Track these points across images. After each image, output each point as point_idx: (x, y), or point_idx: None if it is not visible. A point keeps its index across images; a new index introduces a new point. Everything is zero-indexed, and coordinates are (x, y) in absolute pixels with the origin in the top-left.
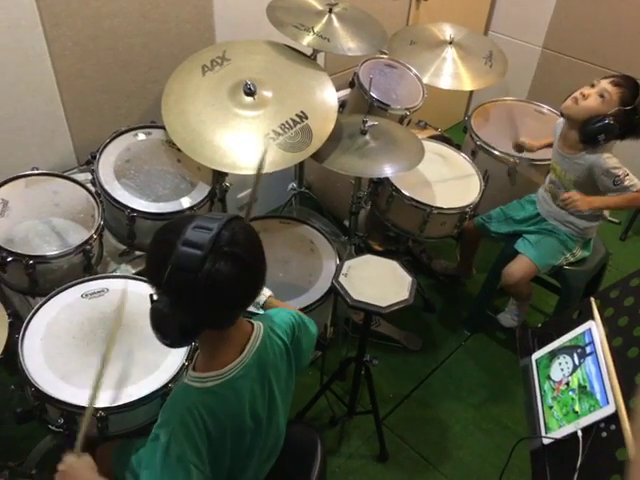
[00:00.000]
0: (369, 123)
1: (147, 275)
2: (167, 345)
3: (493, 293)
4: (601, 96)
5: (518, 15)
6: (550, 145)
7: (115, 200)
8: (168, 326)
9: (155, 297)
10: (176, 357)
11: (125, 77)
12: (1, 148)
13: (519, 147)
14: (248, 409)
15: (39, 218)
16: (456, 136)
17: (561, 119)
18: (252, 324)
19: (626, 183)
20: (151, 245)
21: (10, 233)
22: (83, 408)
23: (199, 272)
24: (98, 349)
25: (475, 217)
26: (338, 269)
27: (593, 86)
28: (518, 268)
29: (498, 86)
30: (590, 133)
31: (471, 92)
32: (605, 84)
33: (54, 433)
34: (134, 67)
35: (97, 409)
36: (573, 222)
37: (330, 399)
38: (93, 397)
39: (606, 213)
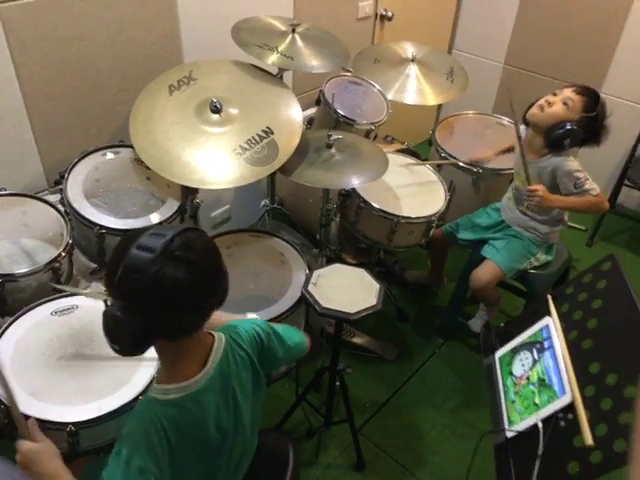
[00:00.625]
0: (334, 137)
1: (104, 281)
2: (116, 351)
3: (463, 299)
4: (565, 104)
5: (480, 33)
6: (507, 150)
7: (84, 218)
8: (118, 330)
9: (109, 302)
10: (146, 371)
11: (94, 99)
12: None
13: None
14: (212, 421)
15: (8, 239)
16: (425, 151)
17: (522, 127)
18: (213, 335)
19: (586, 186)
20: (112, 252)
21: None
22: (53, 423)
23: (147, 274)
24: (67, 365)
25: (443, 225)
26: (307, 278)
27: (555, 95)
28: (485, 272)
29: (464, 102)
30: (556, 138)
31: (439, 109)
32: (568, 92)
33: None
34: (103, 89)
35: (67, 423)
36: (535, 227)
37: (306, 410)
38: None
39: (566, 218)
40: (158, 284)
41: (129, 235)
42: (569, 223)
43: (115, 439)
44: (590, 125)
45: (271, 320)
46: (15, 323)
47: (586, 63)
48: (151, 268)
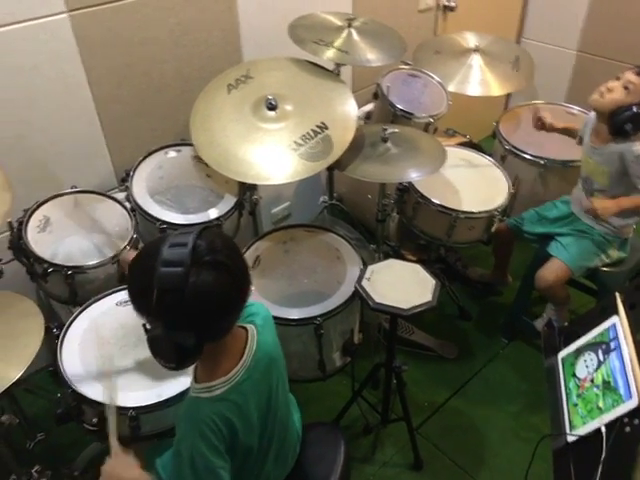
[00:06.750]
0: (389, 130)
1: (134, 306)
2: (172, 369)
3: (529, 298)
4: (626, 88)
5: (551, 20)
6: (567, 131)
7: (147, 213)
8: (169, 350)
9: (148, 326)
10: None
11: (159, 101)
12: (45, 171)
13: (539, 122)
14: (255, 409)
15: (79, 234)
16: (490, 144)
17: (592, 113)
18: (245, 328)
19: None
20: (130, 276)
21: (55, 248)
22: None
23: (185, 288)
24: (130, 353)
25: (508, 219)
26: (361, 273)
27: (618, 79)
28: (551, 271)
29: (534, 92)
30: (617, 123)
31: (507, 101)
32: (629, 75)
33: (89, 432)
34: (167, 91)
35: (128, 408)
36: (608, 220)
37: (363, 407)
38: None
39: None
40: (200, 295)
41: (145, 252)
42: None
43: (175, 426)
44: None
45: (324, 315)
46: (84, 312)
47: None
48: (187, 281)
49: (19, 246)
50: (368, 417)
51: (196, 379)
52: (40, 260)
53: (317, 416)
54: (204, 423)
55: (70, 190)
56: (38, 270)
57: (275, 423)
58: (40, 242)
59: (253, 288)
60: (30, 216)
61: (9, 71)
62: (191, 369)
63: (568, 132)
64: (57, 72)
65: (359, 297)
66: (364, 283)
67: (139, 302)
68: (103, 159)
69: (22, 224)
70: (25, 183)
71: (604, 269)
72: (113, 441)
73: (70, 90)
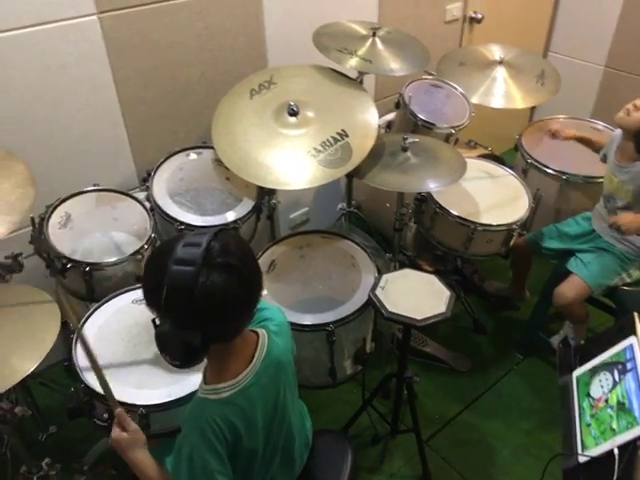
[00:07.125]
0: (409, 140)
1: (146, 301)
2: (177, 367)
3: (546, 314)
4: None
5: (579, 35)
6: (583, 140)
7: (166, 214)
8: (175, 347)
9: (158, 321)
10: None
11: (183, 104)
12: (69, 169)
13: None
14: (260, 414)
15: (99, 231)
16: (512, 157)
17: (618, 131)
18: (257, 333)
19: None
20: (144, 271)
21: (75, 244)
22: (125, 404)
23: (195, 288)
24: (143, 351)
25: (527, 233)
26: (376, 282)
27: None
28: (570, 288)
29: (560, 106)
30: None
31: (532, 115)
32: None
33: (100, 427)
34: (192, 94)
35: (138, 406)
36: (630, 239)
37: (373, 417)
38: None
39: None
40: (208, 295)
41: (160, 251)
42: None
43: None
44: None
45: (337, 322)
46: (100, 309)
47: None
48: (197, 281)
49: (40, 241)
50: (377, 427)
51: (205, 380)
52: (59, 256)
53: (326, 423)
54: (207, 424)
55: (92, 188)
56: (57, 265)
57: (282, 428)
58: (60, 238)
59: (265, 293)
60: (52, 212)
61: (37, 70)
62: (202, 370)
63: (584, 142)
64: (84, 72)
65: (372, 305)
66: (378, 292)
67: (151, 298)
68: (126, 159)
69: (44, 220)
70: (48, 180)
71: (624, 288)
72: (117, 409)
73: (96, 90)
